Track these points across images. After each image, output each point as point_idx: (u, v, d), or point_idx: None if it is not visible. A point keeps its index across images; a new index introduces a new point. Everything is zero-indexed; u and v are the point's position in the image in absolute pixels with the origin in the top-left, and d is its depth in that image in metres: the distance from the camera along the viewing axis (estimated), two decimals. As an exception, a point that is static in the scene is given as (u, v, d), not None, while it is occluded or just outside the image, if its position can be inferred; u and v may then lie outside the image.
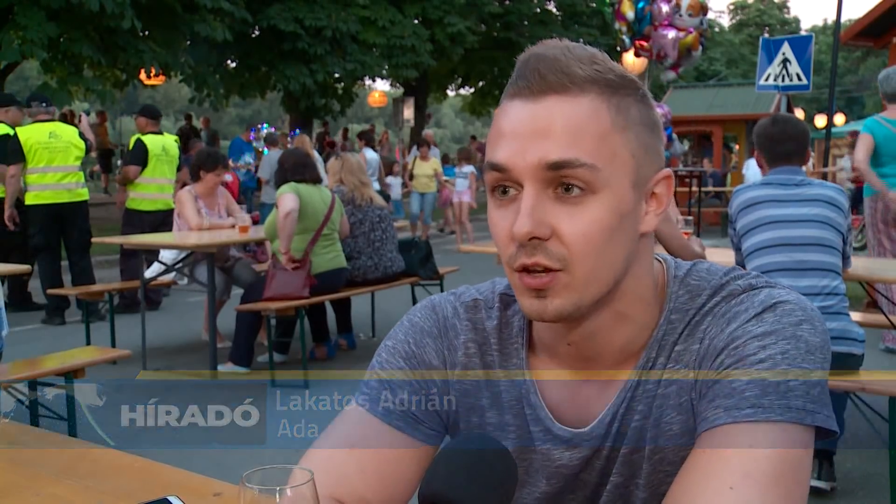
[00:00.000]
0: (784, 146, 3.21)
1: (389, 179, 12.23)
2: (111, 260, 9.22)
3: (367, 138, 14.04)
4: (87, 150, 6.68)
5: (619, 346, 0.93)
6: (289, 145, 12.42)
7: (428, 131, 13.71)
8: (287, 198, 4.81)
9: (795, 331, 0.85)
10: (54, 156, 6.37)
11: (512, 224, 0.84)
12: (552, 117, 0.83)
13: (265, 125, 12.13)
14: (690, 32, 9.67)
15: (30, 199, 6.42)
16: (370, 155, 13.52)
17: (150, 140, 6.92)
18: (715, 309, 0.91)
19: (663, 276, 0.96)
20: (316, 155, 10.21)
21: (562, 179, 0.83)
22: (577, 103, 0.84)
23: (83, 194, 6.60)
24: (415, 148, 12.97)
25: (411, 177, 12.05)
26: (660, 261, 0.98)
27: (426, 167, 11.90)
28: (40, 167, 6.34)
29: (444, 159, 13.90)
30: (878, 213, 5.49)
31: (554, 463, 0.97)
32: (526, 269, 0.85)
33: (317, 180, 5.05)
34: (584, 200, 0.84)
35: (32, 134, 6.39)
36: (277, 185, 5.10)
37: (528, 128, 0.84)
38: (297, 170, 4.98)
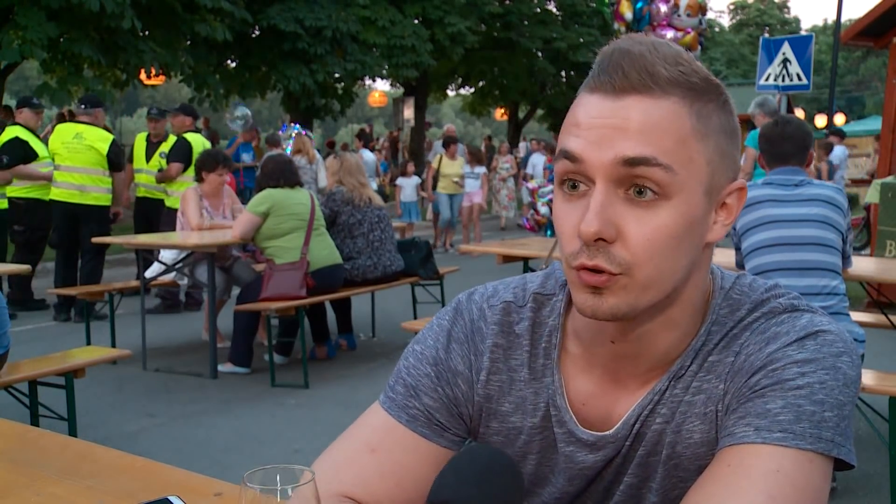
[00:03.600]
0: (782, 147, 3.21)
1: (401, 181, 11.66)
2: (111, 260, 9.22)
3: (365, 139, 13.94)
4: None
5: (660, 351, 0.91)
6: (281, 135, 12.38)
7: (450, 125, 13.22)
8: (255, 208, 4.93)
9: (835, 362, 0.85)
10: (74, 156, 6.55)
11: (578, 220, 0.82)
12: (632, 115, 0.81)
13: (297, 125, 12.09)
14: (688, 32, 9.68)
15: (51, 195, 6.67)
16: (368, 156, 13.42)
17: (193, 139, 7.04)
18: (754, 325, 0.90)
19: (710, 286, 0.95)
20: (319, 157, 10.18)
21: (635, 180, 0.81)
22: (658, 105, 0.81)
23: (97, 198, 6.63)
24: (436, 145, 12.62)
25: (435, 177, 11.34)
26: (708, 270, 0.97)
27: (455, 166, 11.20)
28: (61, 165, 6.57)
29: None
30: None
31: (577, 465, 0.96)
32: (585, 268, 0.84)
33: (294, 185, 5.08)
34: (656, 205, 0.81)
35: (60, 134, 6.66)
36: (257, 189, 5.14)
37: (607, 122, 0.82)
38: (273, 175, 5.03)
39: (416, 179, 11.79)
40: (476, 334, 1.00)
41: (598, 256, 0.82)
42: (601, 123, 0.82)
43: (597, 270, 0.82)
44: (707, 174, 0.84)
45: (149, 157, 7.38)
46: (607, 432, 0.94)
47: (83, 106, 6.75)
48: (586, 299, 0.84)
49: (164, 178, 7.07)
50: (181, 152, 6.96)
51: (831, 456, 0.82)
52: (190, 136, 7.07)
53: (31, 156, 6.73)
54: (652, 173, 0.80)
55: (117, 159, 6.72)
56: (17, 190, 6.81)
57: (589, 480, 0.97)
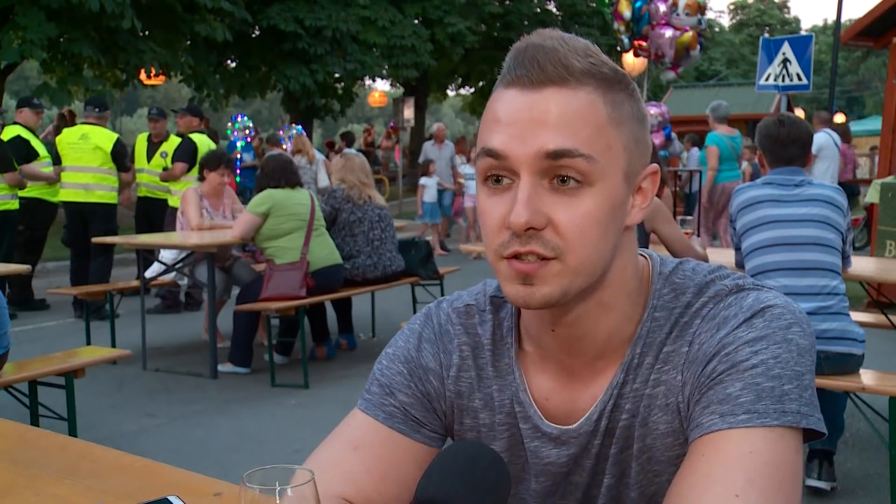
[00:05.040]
0: (789, 150, 3.21)
1: (424, 180, 11.42)
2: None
3: (349, 139, 13.80)
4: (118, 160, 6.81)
5: (602, 337, 0.93)
6: (281, 135, 12.35)
7: (439, 124, 13.05)
8: (255, 208, 4.93)
9: (786, 334, 0.86)
10: (80, 156, 6.67)
11: (506, 213, 0.84)
12: (550, 107, 0.83)
13: (300, 127, 12.04)
14: (686, 31, 9.67)
15: (60, 196, 6.82)
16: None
17: (199, 139, 7.08)
18: (703, 311, 0.91)
19: (648, 272, 0.97)
20: (319, 156, 10.16)
21: (558, 170, 0.83)
22: (574, 95, 0.84)
23: (102, 196, 6.72)
24: (426, 145, 12.38)
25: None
26: (645, 256, 0.99)
27: None
28: (67, 166, 6.70)
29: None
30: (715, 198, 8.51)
31: (542, 460, 0.98)
32: (517, 256, 0.85)
33: (294, 185, 5.08)
34: (580, 192, 0.84)
35: (66, 135, 6.81)
36: (257, 189, 5.14)
37: (526, 116, 0.83)
38: (274, 175, 5.03)
39: (437, 178, 11.60)
40: (444, 336, 1.03)
41: (532, 242, 0.84)
42: (521, 118, 0.84)
43: (531, 255, 0.84)
44: (625, 160, 0.87)
45: (150, 157, 7.40)
46: (571, 426, 0.96)
47: (96, 109, 6.83)
48: (517, 290, 0.86)
49: (168, 177, 7.11)
50: (186, 152, 7.00)
51: (800, 428, 0.83)
52: (195, 137, 7.10)
53: (33, 155, 6.76)
54: (574, 164, 0.83)
55: (121, 158, 6.80)
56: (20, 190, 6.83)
57: (556, 478, 0.98)
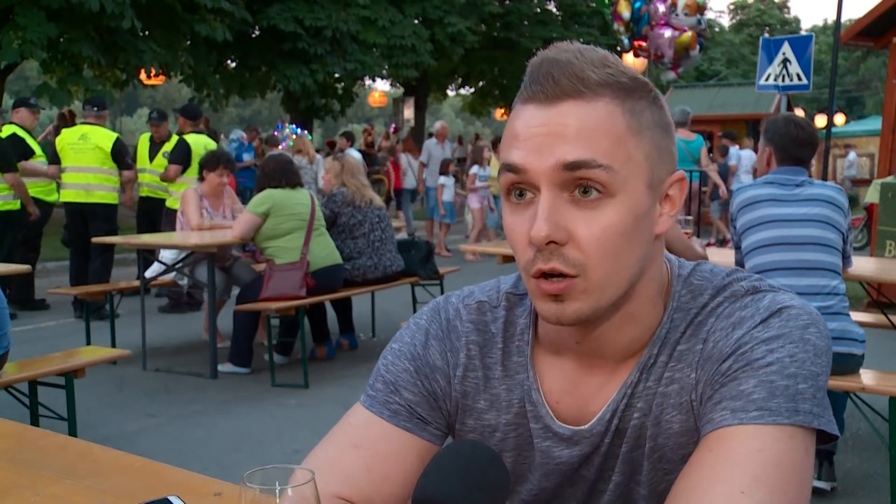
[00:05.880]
0: (803, 151, 3.25)
1: (443, 179, 11.23)
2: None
3: (351, 139, 13.75)
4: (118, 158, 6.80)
5: (623, 344, 0.93)
6: (277, 135, 12.33)
7: (442, 122, 12.85)
8: (255, 208, 4.93)
9: (803, 334, 0.86)
10: (80, 157, 6.65)
11: (529, 228, 0.84)
12: (568, 120, 0.84)
13: (297, 127, 12.00)
14: (685, 31, 9.68)
15: (61, 197, 6.82)
16: (354, 155, 13.19)
17: (192, 140, 7.05)
18: (718, 309, 0.91)
19: (668, 275, 0.97)
20: (319, 157, 10.15)
21: (578, 182, 0.83)
22: (591, 107, 0.84)
23: (103, 197, 6.71)
24: (428, 143, 12.23)
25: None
26: (665, 260, 0.98)
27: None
28: (68, 166, 6.68)
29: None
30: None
31: (553, 460, 0.98)
32: (543, 275, 0.85)
33: (294, 185, 5.07)
34: (601, 204, 0.84)
35: (66, 135, 6.79)
36: (257, 189, 5.13)
37: (544, 130, 0.84)
38: (274, 175, 5.03)
39: (453, 179, 11.50)
40: (452, 332, 1.02)
41: (553, 259, 0.84)
42: (539, 132, 0.84)
43: (554, 274, 0.84)
44: (647, 169, 0.87)
45: (152, 157, 7.41)
46: (583, 427, 0.95)
47: (94, 108, 6.81)
48: (549, 307, 0.87)
49: (164, 178, 7.11)
50: (180, 154, 6.98)
51: (812, 428, 0.82)
52: (190, 138, 7.08)
53: (29, 154, 6.77)
54: (593, 174, 0.83)
55: (122, 157, 6.78)
56: None
57: (565, 476, 0.98)
